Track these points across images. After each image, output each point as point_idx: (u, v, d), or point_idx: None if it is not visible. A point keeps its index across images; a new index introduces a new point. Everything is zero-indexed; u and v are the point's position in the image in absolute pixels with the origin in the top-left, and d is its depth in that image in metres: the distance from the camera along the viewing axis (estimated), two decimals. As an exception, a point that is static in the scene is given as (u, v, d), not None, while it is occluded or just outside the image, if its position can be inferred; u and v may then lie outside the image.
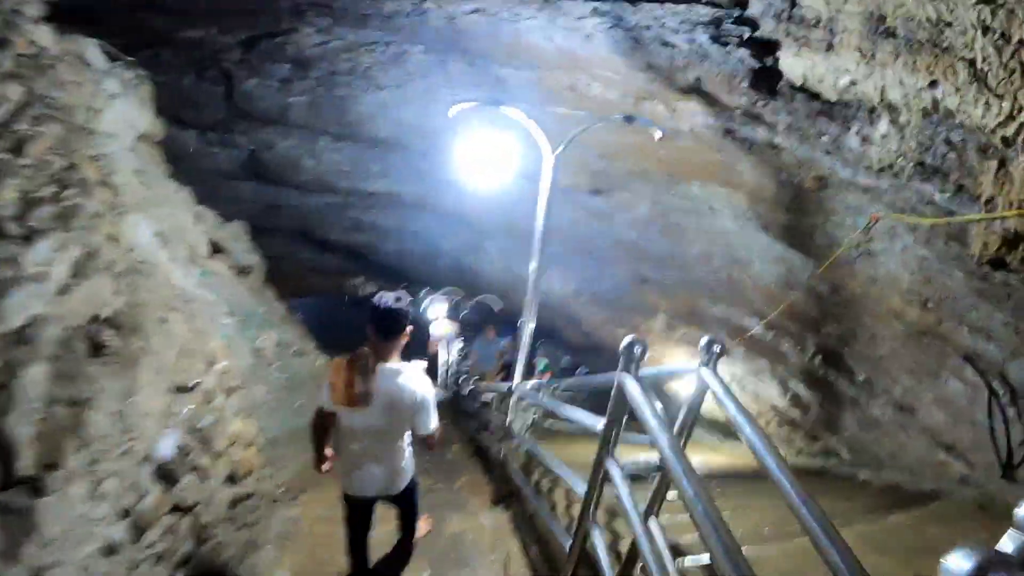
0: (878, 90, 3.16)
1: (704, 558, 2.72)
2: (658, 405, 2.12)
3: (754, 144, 4.46)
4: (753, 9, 3.35)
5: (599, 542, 2.45)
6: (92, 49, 3.46)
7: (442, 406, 2.92)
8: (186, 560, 2.68)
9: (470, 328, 12.88)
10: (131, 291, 2.61)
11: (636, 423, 2.14)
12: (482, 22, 4.30)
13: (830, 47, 3.14)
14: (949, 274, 3.91)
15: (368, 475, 2.64)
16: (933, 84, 2.81)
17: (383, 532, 2.94)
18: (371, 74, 5.73)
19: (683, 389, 7.14)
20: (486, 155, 4.86)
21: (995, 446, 3.97)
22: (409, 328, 2.56)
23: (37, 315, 1.98)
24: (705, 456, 7.01)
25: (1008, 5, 2.20)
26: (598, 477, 2.41)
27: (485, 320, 11.82)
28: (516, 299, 7.88)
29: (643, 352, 2.22)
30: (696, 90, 4.22)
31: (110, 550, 2.08)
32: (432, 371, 11.28)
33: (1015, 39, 2.27)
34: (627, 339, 2.25)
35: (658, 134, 4.52)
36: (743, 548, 1.35)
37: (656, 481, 2.60)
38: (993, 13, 2.27)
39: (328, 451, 2.75)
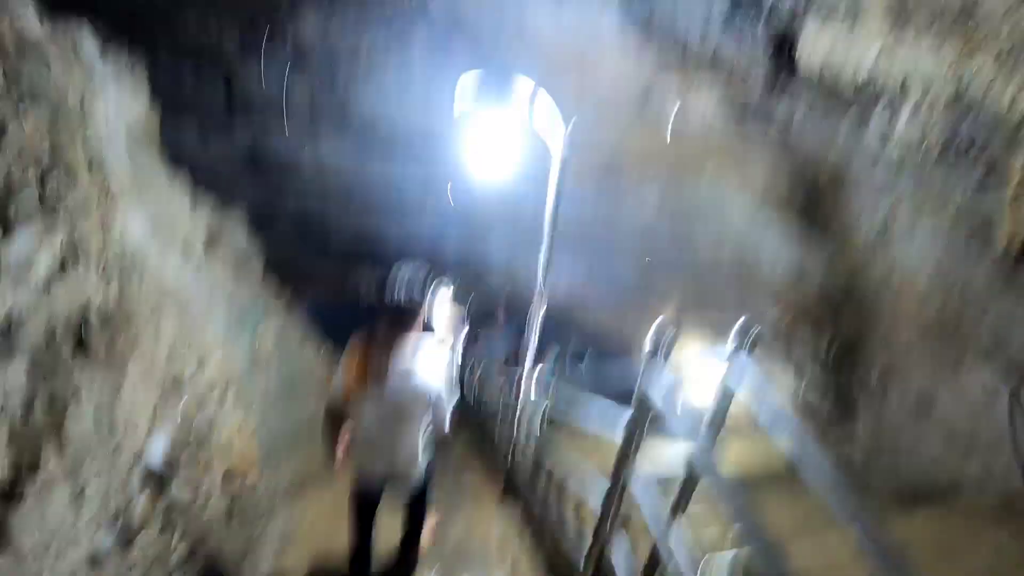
0: (901, 75, 3.02)
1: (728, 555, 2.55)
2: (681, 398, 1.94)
3: (768, 135, 4.32)
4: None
5: (618, 556, 2.28)
6: (83, 32, 3.34)
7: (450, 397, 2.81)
8: (183, 561, 2.57)
9: (478, 315, 12.78)
10: (120, 283, 2.49)
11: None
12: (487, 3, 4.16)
13: (854, 22, 3.00)
14: (971, 267, 3.78)
15: (381, 456, 2.56)
16: (959, 68, 2.68)
17: (386, 542, 2.81)
18: (372, 58, 5.60)
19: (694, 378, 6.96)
20: (493, 139, 4.66)
21: (1015, 445, 3.86)
22: (425, 305, 2.58)
23: (17, 308, 1.86)
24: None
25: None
26: (616, 489, 2.21)
27: (492, 306, 11.60)
28: (523, 288, 7.77)
29: (675, 338, 1.98)
30: (710, 76, 4.07)
31: (96, 559, 1.96)
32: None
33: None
34: (656, 322, 2.00)
35: (668, 125, 4.37)
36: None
37: (682, 482, 2.43)
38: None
39: (341, 447, 2.64)
